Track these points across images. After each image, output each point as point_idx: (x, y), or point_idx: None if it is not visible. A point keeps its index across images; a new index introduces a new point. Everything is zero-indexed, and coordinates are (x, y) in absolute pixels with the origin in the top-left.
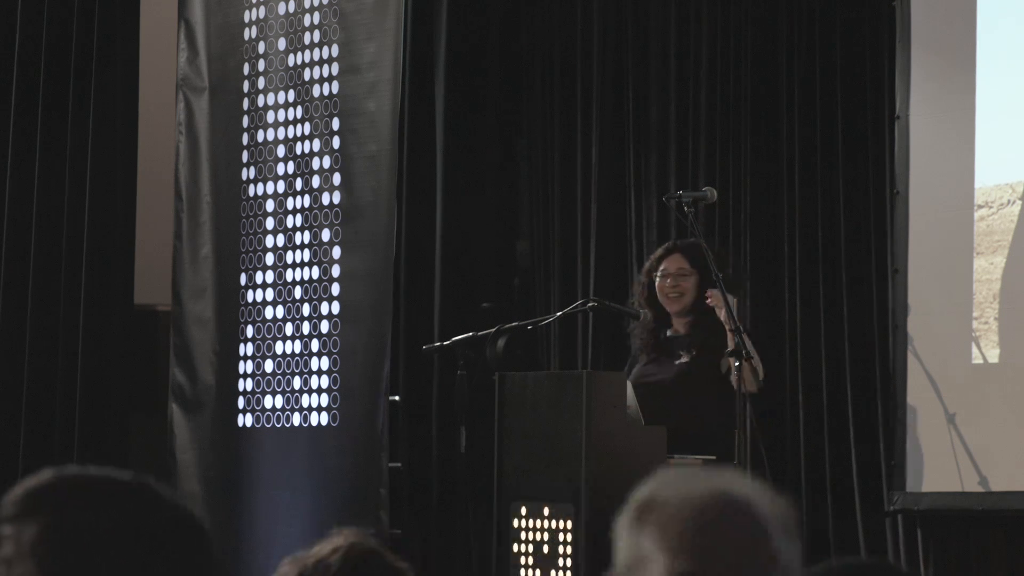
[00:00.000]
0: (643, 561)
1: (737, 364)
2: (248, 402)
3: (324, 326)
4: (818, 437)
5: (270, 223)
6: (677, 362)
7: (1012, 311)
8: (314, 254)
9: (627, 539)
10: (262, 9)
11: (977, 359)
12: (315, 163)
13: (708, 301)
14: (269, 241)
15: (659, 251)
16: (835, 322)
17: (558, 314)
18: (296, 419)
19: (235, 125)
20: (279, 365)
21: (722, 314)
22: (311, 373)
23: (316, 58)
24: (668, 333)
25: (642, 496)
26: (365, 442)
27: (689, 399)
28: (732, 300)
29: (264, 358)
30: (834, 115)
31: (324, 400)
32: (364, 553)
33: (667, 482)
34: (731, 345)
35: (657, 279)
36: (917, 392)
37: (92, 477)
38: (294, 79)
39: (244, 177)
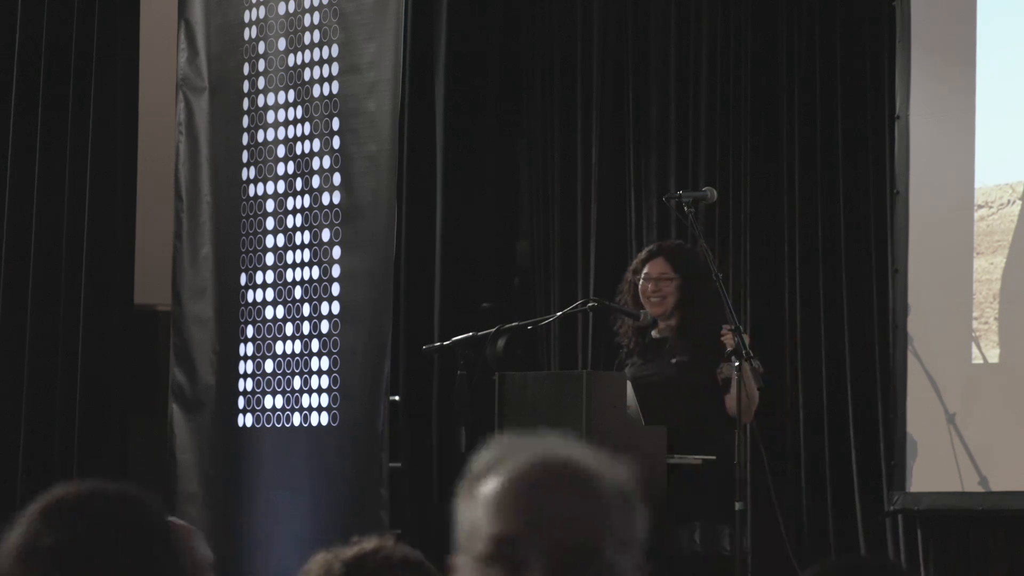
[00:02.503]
0: (475, 530)
1: (737, 364)
2: (248, 402)
3: (324, 326)
4: (818, 437)
5: (270, 223)
6: (674, 360)
7: (1012, 311)
8: (314, 254)
9: (463, 510)
10: (262, 9)
11: (977, 359)
12: (315, 163)
13: (724, 338)
14: (269, 241)
15: (643, 254)
16: (835, 322)
17: (558, 314)
18: (296, 419)
19: (235, 125)
20: (279, 365)
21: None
22: (311, 373)
23: (316, 58)
24: (655, 334)
25: (475, 467)
26: (365, 442)
27: (688, 397)
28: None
29: (264, 358)
30: (834, 115)
31: (324, 400)
32: (412, 553)
33: (500, 450)
34: (731, 345)
35: (640, 282)
36: (917, 392)
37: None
38: (294, 79)
39: (244, 177)
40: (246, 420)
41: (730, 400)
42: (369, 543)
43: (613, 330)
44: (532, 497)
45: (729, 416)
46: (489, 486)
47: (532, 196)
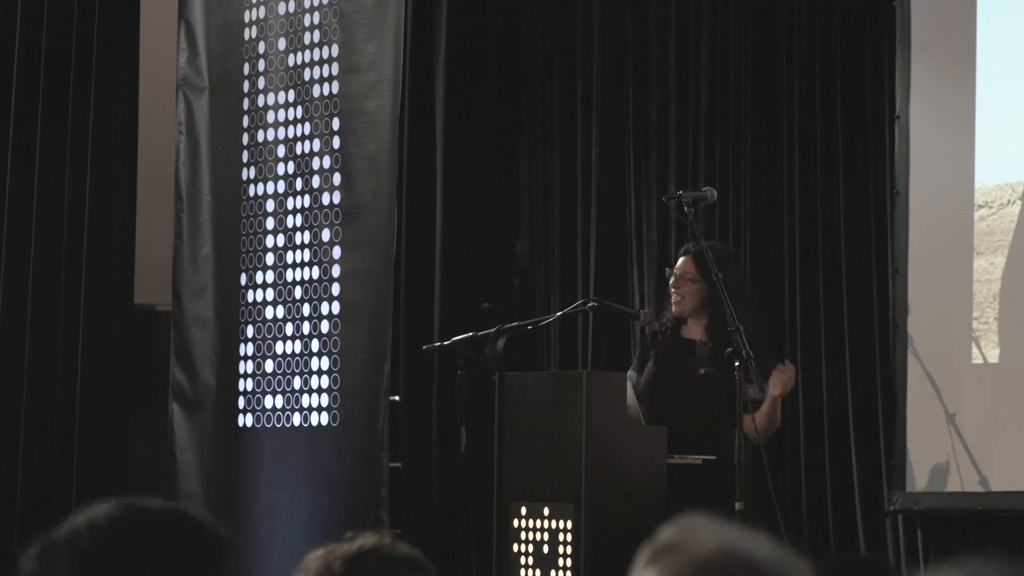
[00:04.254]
0: None
1: (737, 364)
2: (248, 402)
3: (324, 326)
4: (818, 437)
5: (270, 223)
6: (702, 371)
7: (1012, 311)
8: (314, 254)
9: None
10: (262, 9)
11: (977, 359)
12: (315, 163)
13: (775, 391)
14: (269, 241)
15: (681, 249)
16: (835, 322)
17: (558, 314)
18: (296, 419)
19: (235, 125)
20: (279, 365)
21: (777, 389)
22: (311, 373)
23: (316, 58)
24: (683, 333)
25: (659, 539)
26: (365, 442)
27: (707, 409)
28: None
29: (264, 358)
30: (834, 115)
31: (324, 400)
32: (412, 552)
33: (687, 529)
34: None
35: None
36: (917, 392)
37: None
38: (294, 79)
39: (244, 177)
40: (246, 420)
41: (757, 418)
42: (367, 540)
43: (641, 327)
44: None
45: (735, 389)
46: (667, 566)
47: (532, 196)
